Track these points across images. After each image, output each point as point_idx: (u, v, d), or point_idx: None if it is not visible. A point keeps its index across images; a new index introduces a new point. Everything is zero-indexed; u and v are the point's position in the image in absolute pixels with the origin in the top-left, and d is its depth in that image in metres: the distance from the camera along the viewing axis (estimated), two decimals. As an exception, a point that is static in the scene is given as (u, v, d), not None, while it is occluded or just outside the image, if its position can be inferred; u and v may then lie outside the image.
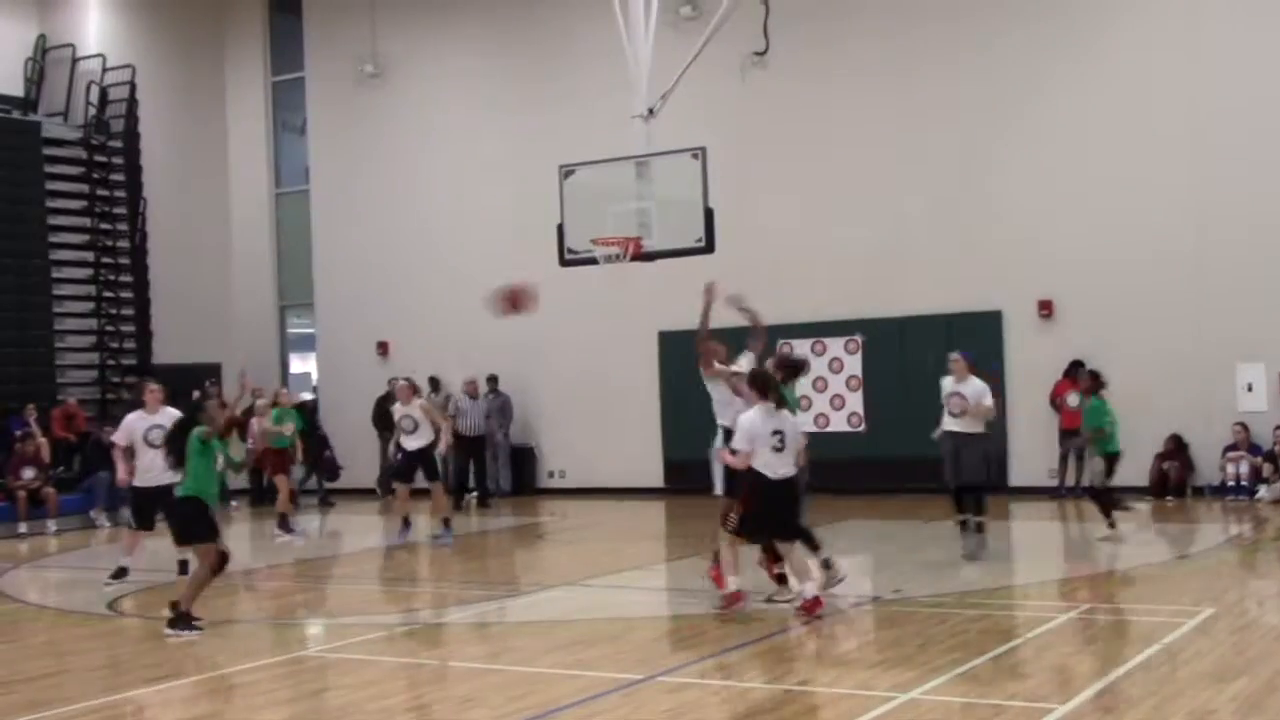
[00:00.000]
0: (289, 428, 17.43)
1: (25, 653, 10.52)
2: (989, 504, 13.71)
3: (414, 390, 16.43)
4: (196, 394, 21.21)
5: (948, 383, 13.33)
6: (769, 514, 10.23)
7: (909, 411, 19.50)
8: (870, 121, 20.03)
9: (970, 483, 13.28)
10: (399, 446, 16.41)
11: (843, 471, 19.80)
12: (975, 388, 13.17)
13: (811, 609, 10.14)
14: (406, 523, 16.12)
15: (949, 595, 11.20)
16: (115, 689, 8.91)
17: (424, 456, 16.11)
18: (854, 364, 20.07)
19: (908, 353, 19.67)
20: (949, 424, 13.21)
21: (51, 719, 8.06)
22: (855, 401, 20.01)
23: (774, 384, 10.35)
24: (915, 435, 19.25)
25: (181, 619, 10.36)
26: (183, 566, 12.69)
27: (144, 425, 13.02)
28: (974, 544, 13.21)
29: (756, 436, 10.04)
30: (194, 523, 10.61)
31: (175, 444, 10.65)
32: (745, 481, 10.17)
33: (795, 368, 11.54)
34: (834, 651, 9.59)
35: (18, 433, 19.78)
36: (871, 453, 19.72)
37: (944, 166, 19.67)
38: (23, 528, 18.73)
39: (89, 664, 9.93)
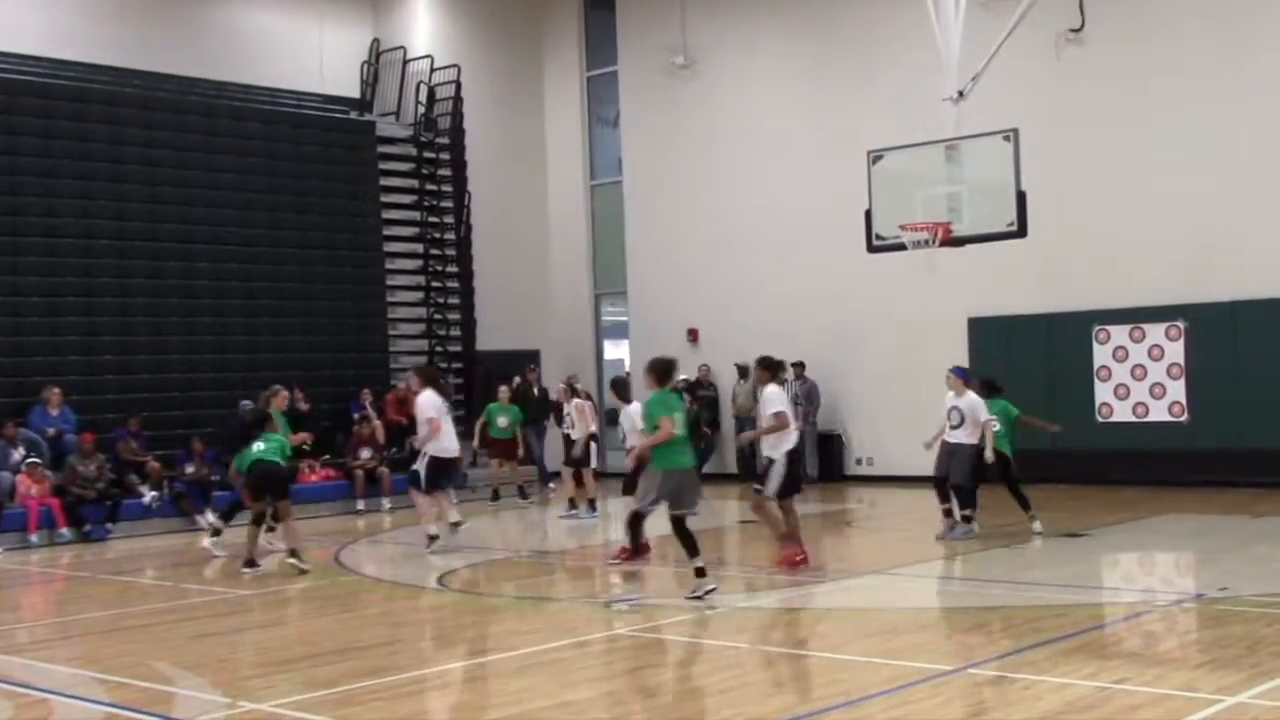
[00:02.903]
0: (502, 422, 20.35)
1: (362, 623, 11.21)
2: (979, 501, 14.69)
3: (572, 392, 18.73)
4: (517, 380, 22.29)
5: (949, 396, 14.53)
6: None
7: (1240, 401, 18.57)
8: (1194, 96, 19.01)
9: (955, 483, 14.44)
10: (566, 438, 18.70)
11: (1163, 463, 19.02)
12: (970, 401, 14.36)
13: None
14: (573, 504, 17.97)
15: (1281, 595, 10.64)
16: (443, 660, 9.43)
17: (570, 445, 18.21)
18: (1176, 351, 19.16)
19: (1240, 338, 18.66)
20: (948, 434, 14.48)
21: (386, 685, 8.61)
22: (1177, 390, 19.11)
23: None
24: (1246, 426, 18.42)
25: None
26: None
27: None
28: (946, 529, 14.47)
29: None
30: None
31: None
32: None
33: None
34: (1154, 650, 9.25)
35: (356, 416, 21.09)
36: (1196, 444, 18.83)
37: (1274, 140, 18.52)
38: (360, 505, 19.95)
39: (419, 635, 10.53)
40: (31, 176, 19.99)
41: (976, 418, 14.33)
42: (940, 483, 14.63)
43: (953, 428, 14.44)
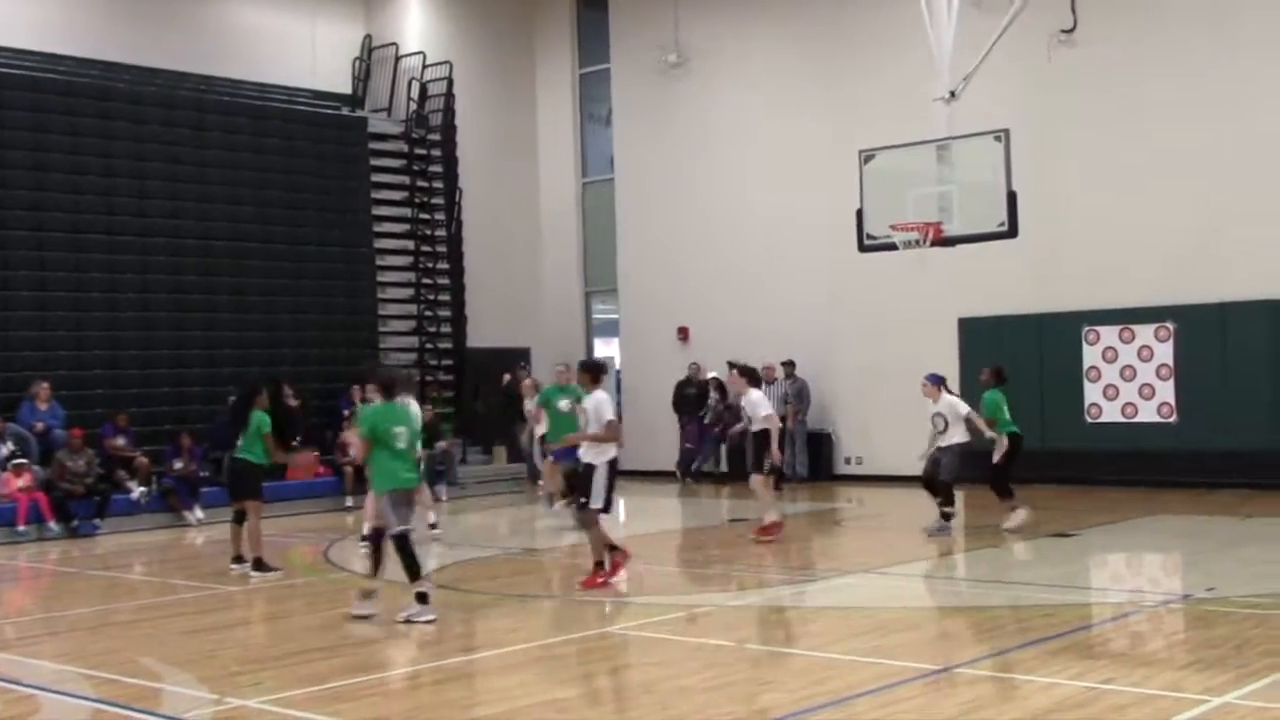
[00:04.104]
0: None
1: (351, 619, 11.19)
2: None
3: (536, 388, 18.56)
4: (507, 377, 22.26)
5: (929, 404, 14.86)
6: None
7: (1228, 401, 18.60)
8: (1184, 97, 19.02)
9: (945, 481, 14.79)
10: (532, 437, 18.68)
11: (1152, 463, 19.05)
12: (948, 403, 14.73)
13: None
14: (552, 497, 17.69)
15: (1268, 596, 10.64)
16: (432, 657, 9.41)
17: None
18: (1165, 352, 19.19)
19: (1229, 340, 18.69)
20: (939, 440, 14.72)
21: (374, 682, 8.60)
22: (1166, 391, 19.14)
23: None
24: (1235, 427, 18.45)
25: None
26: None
27: None
28: (937, 527, 14.69)
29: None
30: None
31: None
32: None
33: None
34: (1141, 650, 9.28)
35: (345, 412, 21.01)
36: (1184, 445, 18.86)
37: (1267, 143, 18.54)
38: (349, 502, 19.91)
39: (408, 631, 10.49)
40: (21, 170, 19.94)
41: (958, 415, 14.64)
42: (929, 484, 15.04)
43: (940, 433, 14.72)
